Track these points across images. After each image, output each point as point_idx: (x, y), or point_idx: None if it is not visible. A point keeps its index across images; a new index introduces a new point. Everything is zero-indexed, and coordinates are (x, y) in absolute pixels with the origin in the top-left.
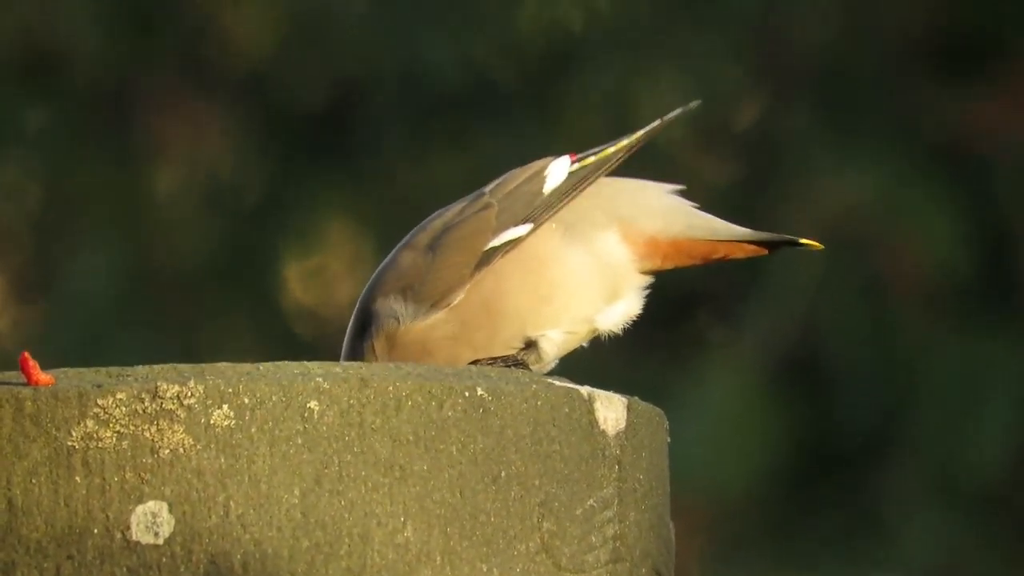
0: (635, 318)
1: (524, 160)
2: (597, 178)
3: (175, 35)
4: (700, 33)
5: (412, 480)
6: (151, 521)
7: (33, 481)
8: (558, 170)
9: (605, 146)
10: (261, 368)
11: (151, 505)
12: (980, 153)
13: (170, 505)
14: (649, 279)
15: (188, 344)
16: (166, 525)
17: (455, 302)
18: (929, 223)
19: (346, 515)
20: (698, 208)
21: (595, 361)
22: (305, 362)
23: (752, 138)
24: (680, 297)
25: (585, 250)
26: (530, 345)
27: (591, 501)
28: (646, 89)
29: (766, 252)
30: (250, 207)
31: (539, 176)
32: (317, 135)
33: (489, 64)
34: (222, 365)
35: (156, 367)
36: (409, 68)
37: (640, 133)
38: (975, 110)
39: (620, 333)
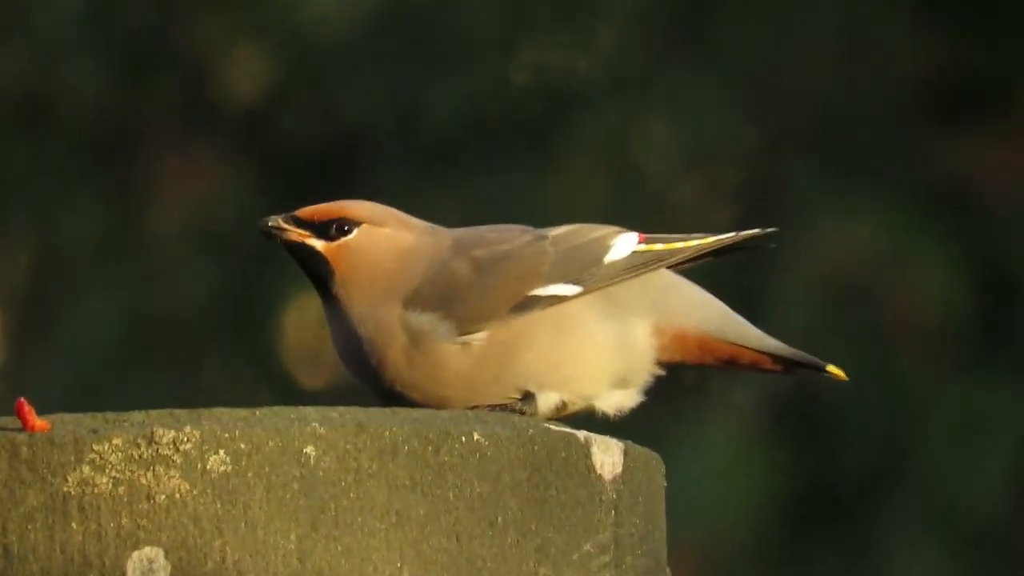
0: (628, 410)
1: (521, 202)
2: (658, 267)
3: (172, 78)
4: (698, 79)
5: (409, 525)
6: (147, 567)
7: (29, 527)
8: (624, 245)
9: (674, 238)
10: (257, 413)
11: (147, 551)
12: (982, 200)
13: (166, 551)
14: (661, 373)
15: (186, 388)
16: (162, 571)
17: (480, 336)
18: (930, 269)
19: (343, 561)
20: (738, 315)
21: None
22: (301, 407)
23: (751, 184)
24: None
25: (614, 330)
26: (527, 398)
27: (587, 546)
28: (642, 134)
29: (786, 370)
30: (248, 250)
31: (604, 243)
32: (315, 177)
33: (486, 107)
34: (218, 410)
35: (152, 412)
36: (406, 110)
37: (712, 239)
38: (977, 157)
39: (611, 417)
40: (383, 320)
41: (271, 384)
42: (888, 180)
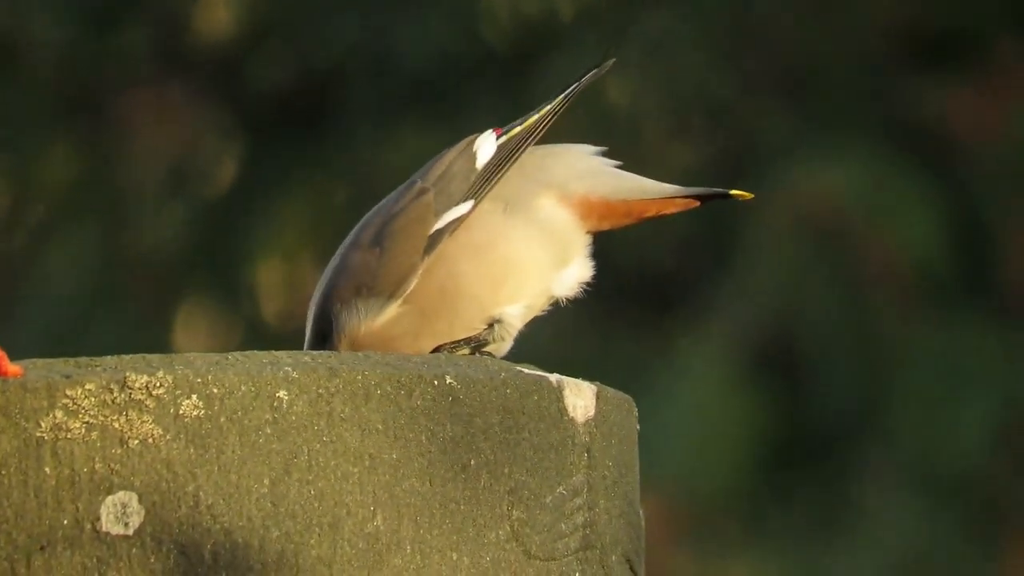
0: (588, 282)
1: None
2: (527, 146)
3: (144, 21)
4: (673, 21)
5: (382, 469)
6: (121, 512)
7: (3, 473)
8: (487, 145)
9: (529, 115)
10: (230, 357)
11: (121, 496)
12: (958, 145)
13: (140, 496)
14: (590, 239)
15: (159, 333)
16: (136, 516)
17: (409, 291)
18: (906, 214)
19: (316, 504)
20: (623, 171)
21: (565, 349)
22: (274, 351)
23: (726, 129)
24: (653, 285)
25: (528, 221)
26: (491, 325)
27: (561, 489)
28: (616, 74)
29: (697, 204)
30: (220, 193)
31: (468, 153)
32: (287, 120)
33: (459, 48)
34: (191, 355)
35: (125, 357)
36: (379, 51)
37: (560, 97)
38: (953, 102)
39: (577, 298)
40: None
41: (245, 328)
42: (864, 126)
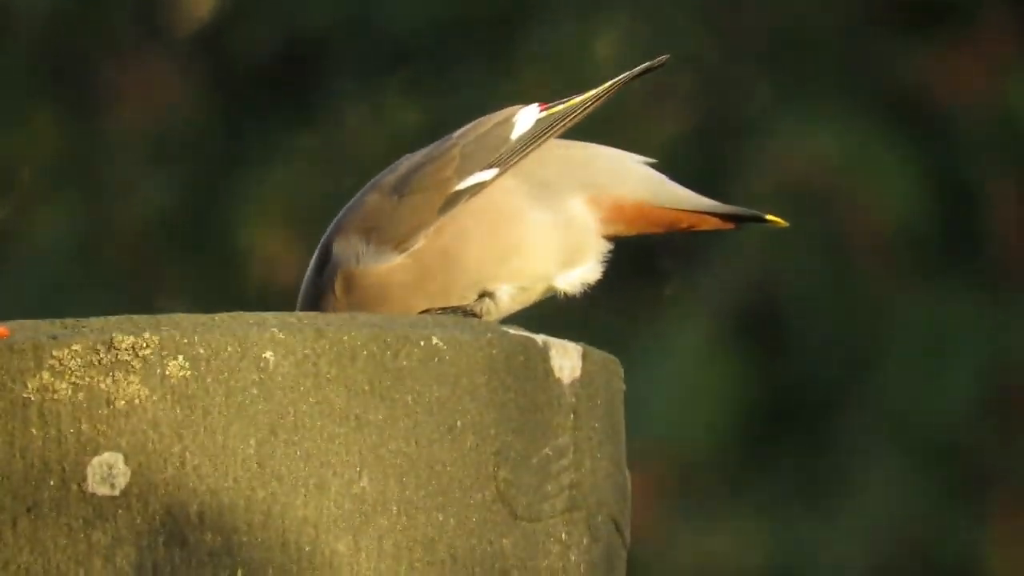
0: (593, 284)
1: (480, 111)
2: (565, 126)
3: None
4: None
5: (368, 430)
6: (107, 472)
7: None
8: (526, 117)
9: (573, 96)
10: (216, 318)
11: (107, 456)
12: (941, 109)
13: (126, 456)
14: (610, 245)
15: (143, 300)
16: (122, 476)
17: (417, 246)
18: (889, 178)
19: (302, 465)
20: (668, 179)
21: (551, 310)
22: (260, 312)
23: (710, 93)
24: (639, 248)
25: (549, 209)
26: (483, 297)
27: (546, 450)
28: (602, 40)
29: (732, 226)
30: (205, 160)
31: (507, 123)
32: (272, 87)
33: (441, 14)
34: (177, 316)
35: (111, 318)
36: (363, 18)
37: (608, 84)
38: (935, 66)
39: (576, 295)
40: (318, 258)
41: (230, 296)
42: (846, 90)
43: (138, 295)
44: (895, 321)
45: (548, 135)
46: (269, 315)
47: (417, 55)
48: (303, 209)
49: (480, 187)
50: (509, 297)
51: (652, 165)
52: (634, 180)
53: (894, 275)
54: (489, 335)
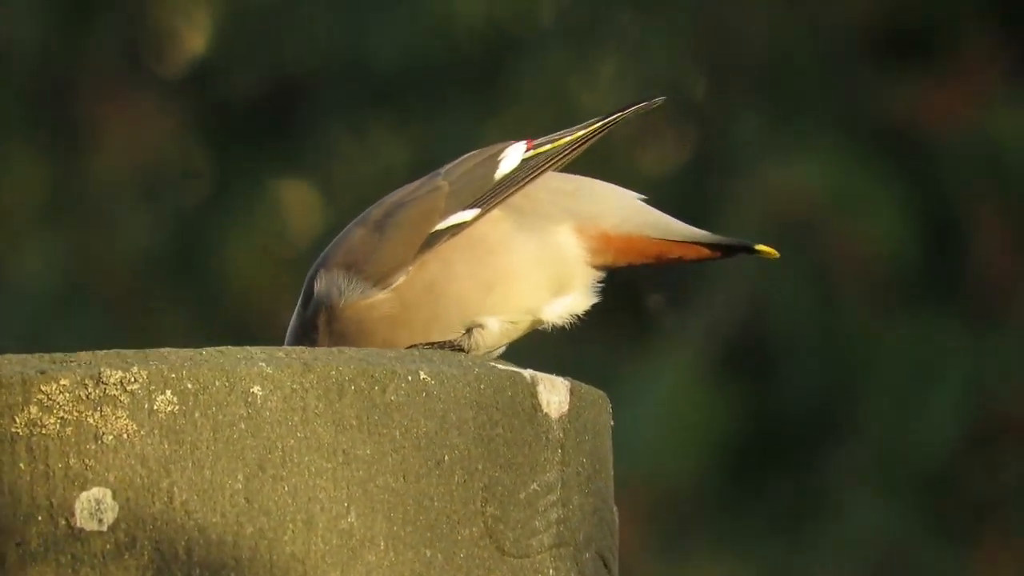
0: (581, 315)
1: (468, 147)
2: (549, 167)
3: (115, 26)
4: (643, 21)
5: (356, 465)
6: (95, 508)
7: None
8: (512, 155)
9: (561, 134)
10: (204, 353)
11: (95, 492)
12: (926, 141)
13: (114, 492)
14: (599, 275)
15: (130, 334)
16: (110, 512)
17: (397, 283)
18: (874, 209)
19: (290, 501)
20: (656, 210)
21: (538, 344)
22: (248, 347)
23: (697, 126)
24: (626, 280)
25: (535, 240)
26: (470, 331)
27: (534, 485)
28: (588, 76)
29: (720, 256)
30: (194, 197)
31: (493, 160)
32: (260, 124)
33: (431, 50)
34: (165, 350)
35: (99, 353)
36: (351, 55)
37: (597, 124)
38: (920, 97)
39: (565, 327)
40: (304, 293)
41: (219, 331)
42: (832, 121)
43: (126, 330)
44: (879, 352)
45: (532, 176)
46: (257, 349)
47: (405, 92)
48: (291, 245)
49: (460, 227)
50: (498, 330)
51: (643, 200)
52: (621, 211)
53: (879, 306)
54: (477, 370)
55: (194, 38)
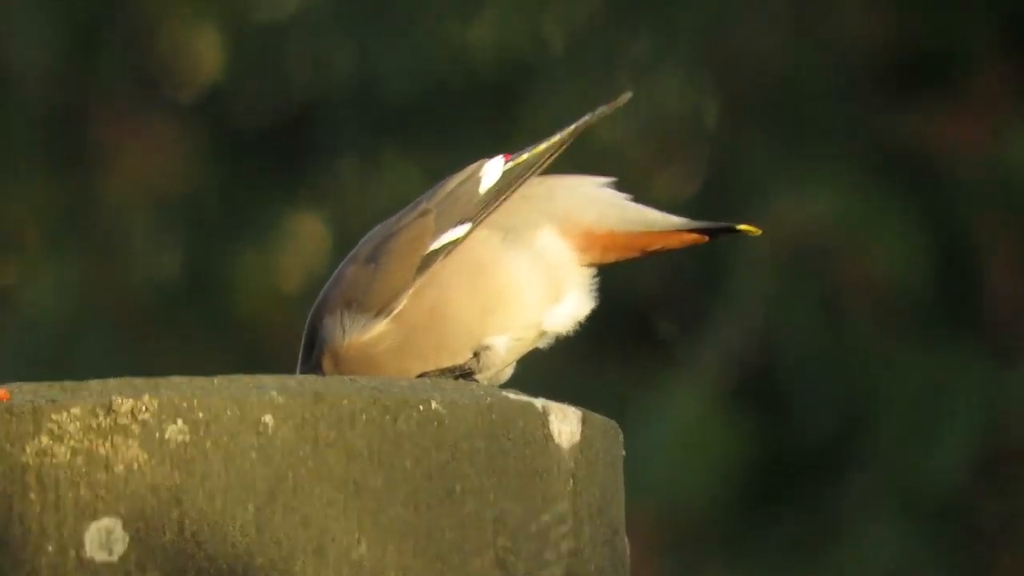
0: (583, 319)
1: None
2: (532, 174)
3: (127, 52)
4: (656, 49)
5: (366, 495)
6: (105, 538)
7: None
8: (492, 170)
9: (538, 143)
10: (215, 382)
11: (105, 522)
12: (937, 167)
13: (124, 522)
14: (591, 273)
15: (142, 360)
16: (120, 542)
17: (398, 309)
18: (886, 237)
19: (301, 531)
20: (632, 199)
21: (551, 374)
22: (260, 376)
23: (708, 153)
24: (637, 309)
25: (525, 252)
26: (477, 354)
27: (546, 516)
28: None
29: (706, 239)
30: (206, 224)
31: (474, 178)
32: (272, 151)
33: (443, 78)
34: (176, 379)
35: (110, 381)
36: (363, 83)
37: (571, 128)
38: (933, 124)
39: (570, 334)
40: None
41: (231, 357)
42: (844, 150)
43: (137, 358)
44: (892, 380)
45: (517, 184)
46: (268, 378)
47: (417, 120)
48: (303, 271)
49: (454, 244)
50: (504, 349)
51: (612, 187)
52: (600, 206)
53: (891, 334)
54: (489, 400)
55: (206, 65)
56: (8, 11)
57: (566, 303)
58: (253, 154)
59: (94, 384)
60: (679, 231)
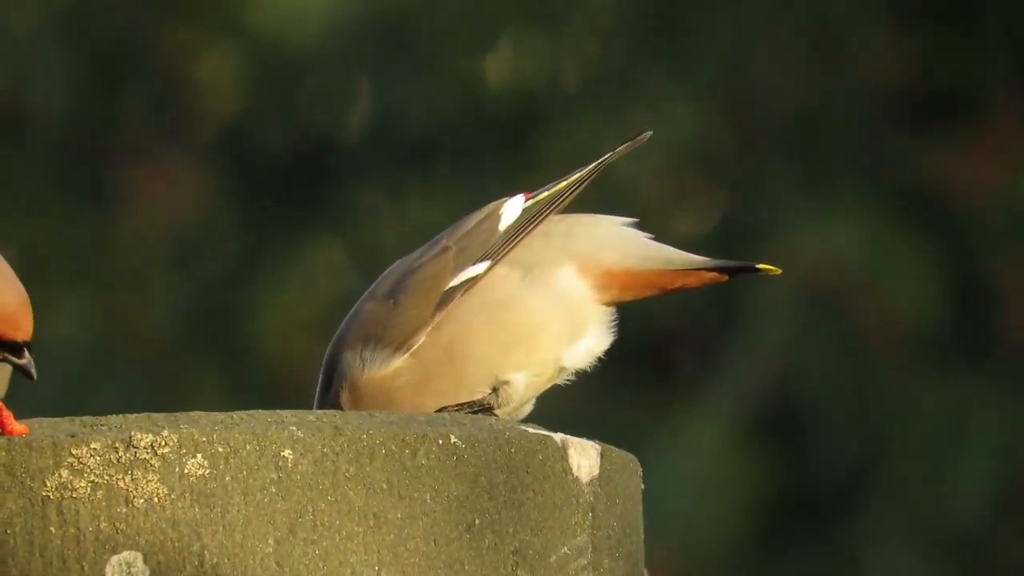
0: (602, 355)
1: None
2: (551, 212)
3: (146, 87)
4: (674, 84)
5: (386, 528)
6: (126, 572)
7: (8, 532)
8: (512, 208)
9: (558, 181)
10: (235, 417)
11: (126, 555)
12: (957, 205)
13: (145, 555)
14: (610, 311)
15: (164, 398)
16: None
17: (417, 345)
18: (905, 272)
19: (321, 564)
20: (653, 239)
21: (569, 408)
22: (279, 411)
23: (726, 189)
24: (657, 345)
25: (544, 290)
26: (496, 389)
27: (565, 549)
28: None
29: (726, 279)
30: (225, 260)
31: (494, 215)
32: (291, 187)
33: (461, 113)
34: (196, 414)
35: (130, 416)
36: (381, 118)
37: (591, 166)
38: (951, 161)
39: (588, 370)
40: (324, 373)
41: (248, 390)
42: (863, 186)
43: (157, 393)
44: (911, 415)
45: (536, 222)
46: (287, 413)
47: (434, 153)
48: (323, 307)
49: (473, 281)
50: (523, 384)
51: (635, 226)
52: (619, 244)
53: (910, 370)
54: (508, 434)
55: (226, 100)
56: (30, 49)
57: (585, 340)
58: (272, 189)
59: (114, 419)
60: (699, 270)
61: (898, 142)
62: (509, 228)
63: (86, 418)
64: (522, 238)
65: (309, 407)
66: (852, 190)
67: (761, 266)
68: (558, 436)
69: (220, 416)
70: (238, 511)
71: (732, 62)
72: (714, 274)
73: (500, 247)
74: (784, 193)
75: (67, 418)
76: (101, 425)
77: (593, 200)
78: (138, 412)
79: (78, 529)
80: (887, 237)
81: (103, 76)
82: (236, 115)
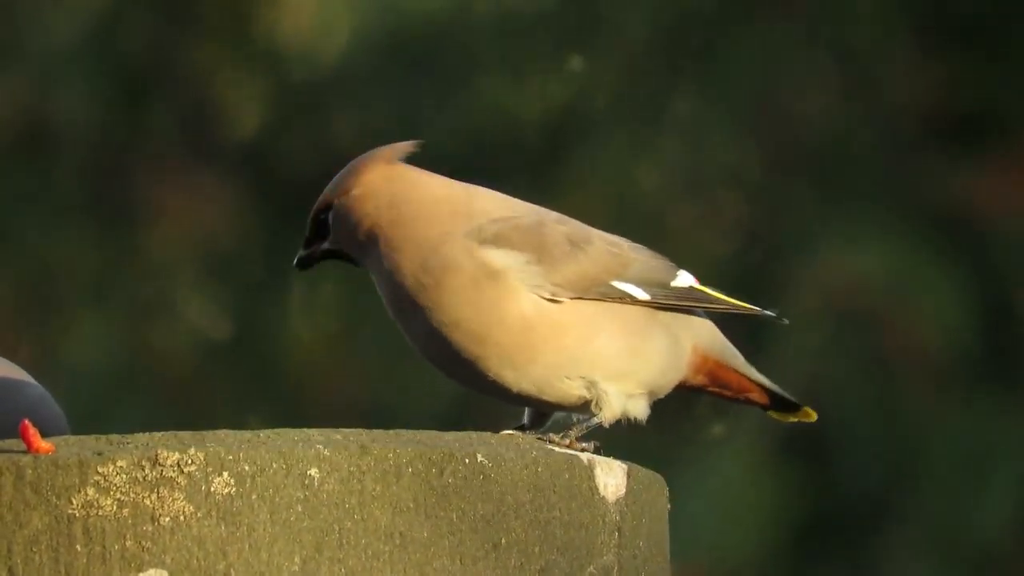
0: (634, 419)
1: None
2: (702, 307)
3: (170, 105)
4: (701, 108)
5: (412, 547)
6: None
7: (34, 550)
8: (686, 277)
9: (720, 292)
10: (261, 435)
11: (152, 573)
12: (985, 227)
13: (171, 573)
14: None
15: (189, 416)
16: None
17: (566, 301)
18: (934, 296)
19: None
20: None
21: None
22: (305, 429)
23: (754, 214)
24: None
25: (669, 340)
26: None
27: (591, 568)
28: (646, 163)
29: (767, 406)
30: (251, 277)
31: (671, 269)
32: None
33: (488, 136)
34: (222, 432)
35: (156, 434)
36: (406, 136)
37: (748, 305)
38: (979, 185)
39: (623, 423)
40: (448, 255)
41: (275, 409)
42: (890, 208)
43: (183, 411)
44: (937, 437)
45: (692, 304)
46: (314, 431)
47: (459, 174)
48: (350, 324)
49: (631, 298)
50: (615, 395)
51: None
52: (720, 340)
53: (936, 392)
54: (534, 453)
55: (252, 118)
56: (57, 68)
57: (647, 403)
58: (298, 208)
59: (140, 437)
60: (761, 387)
61: (926, 165)
62: (678, 289)
63: (112, 436)
64: (677, 304)
65: (336, 424)
66: (881, 213)
67: (803, 409)
68: (585, 455)
69: (247, 434)
70: (264, 529)
71: (762, 87)
72: (766, 398)
73: (662, 295)
74: (813, 216)
75: (93, 436)
76: (127, 443)
77: (625, 220)
78: (164, 430)
79: (104, 547)
80: (915, 260)
81: (129, 94)
82: (261, 134)
